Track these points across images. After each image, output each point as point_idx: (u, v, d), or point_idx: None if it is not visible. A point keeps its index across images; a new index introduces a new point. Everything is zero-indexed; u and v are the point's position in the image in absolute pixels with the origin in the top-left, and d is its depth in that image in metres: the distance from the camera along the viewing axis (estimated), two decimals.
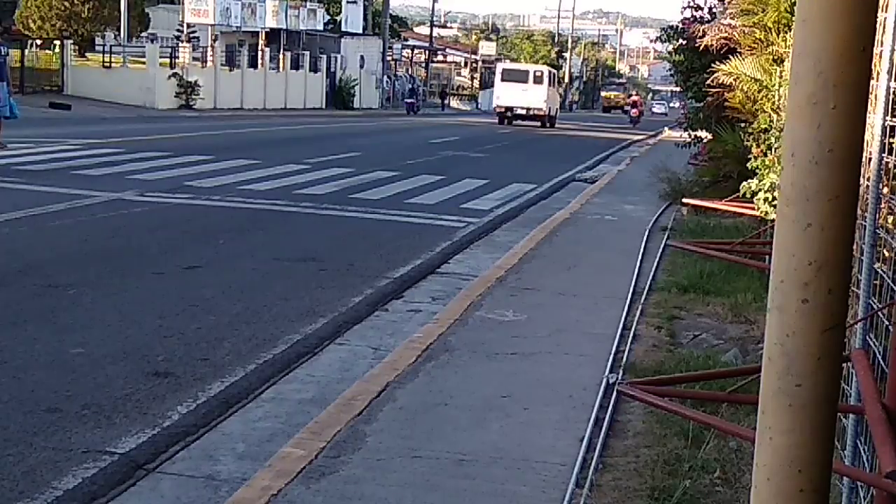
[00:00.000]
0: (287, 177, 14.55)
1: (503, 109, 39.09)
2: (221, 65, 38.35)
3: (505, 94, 39.13)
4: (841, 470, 2.96)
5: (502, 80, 40.09)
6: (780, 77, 7.01)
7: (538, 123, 38.36)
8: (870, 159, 3.06)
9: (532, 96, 38.50)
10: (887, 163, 3.03)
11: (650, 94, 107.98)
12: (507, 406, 4.88)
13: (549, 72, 42.12)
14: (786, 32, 7.02)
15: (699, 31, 10.17)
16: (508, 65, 47.69)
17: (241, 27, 41.24)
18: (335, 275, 8.03)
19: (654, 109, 79.26)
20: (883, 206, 3.12)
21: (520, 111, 38.54)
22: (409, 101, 48.06)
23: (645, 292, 7.64)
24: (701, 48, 10.02)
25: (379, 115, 42.61)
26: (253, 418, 4.68)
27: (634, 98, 55.37)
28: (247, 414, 4.75)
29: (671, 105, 76.87)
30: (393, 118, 40.42)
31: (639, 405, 4.70)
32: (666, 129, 39.54)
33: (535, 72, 40.66)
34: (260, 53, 40.47)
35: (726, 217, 10.92)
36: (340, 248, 9.34)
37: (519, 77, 39.50)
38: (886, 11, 2.96)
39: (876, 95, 3.01)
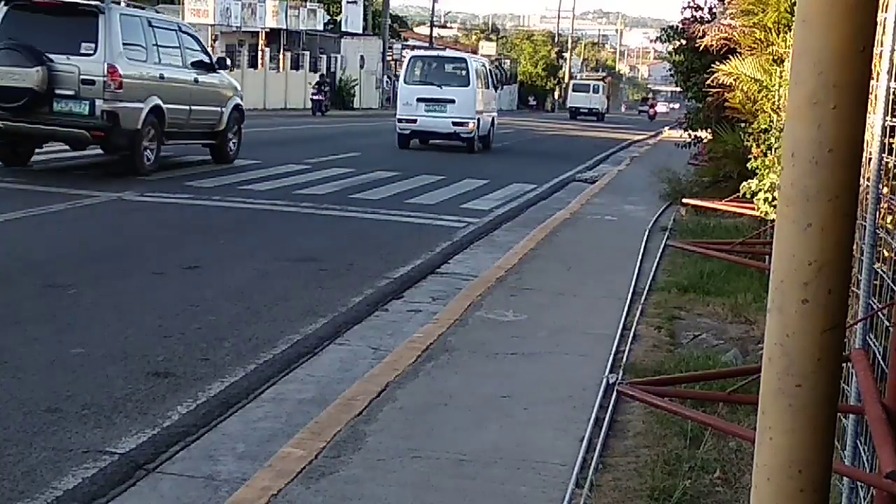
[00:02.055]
0: (287, 177, 14.55)
1: (574, 109, 58.41)
2: None
3: (574, 99, 59.96)
4: (841, 470, 2.96)
5: (573, 90, 61.31)
6: (780, 77, 7.01)
7: (595, 118, 56.22)
8: (870, 159, 3.06)
9: (592, 100, 59.07)
10: (887, 163, 3.03)
11: (649, 94, 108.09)
12: (507, 406, 4.88)
13: (603, 84, 62.06)
14: (786, 32, 7.02)
15: (699, 31, 10.17)
16: (577, 80, 65.55)
17: (241, 27, 41.23)
18: (335, 275, 8.03)
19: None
20: (883, 206, 3.12)
21: (583, 110, 57.77)
22: (315, 97, 37.52)
23: (645, 292, 7.64)
24: (701, 48, 10.02)
25: (379, 115, 42.59)
26: (253, 418, 4.69)
27: (652, 101, 72.25)
28: (247, 414, 4.75)
29: (672, 106, 77.69)
30: (393, 118, 40.42)
31: (639, 405, 4.70)
32: (666, 128, 40.32)
33: (594, 84, 61.19)
34: (260, 53, 40.47)
35: (726, 217, 10.92)
36: (340, 248, 9.35)
37: (584, 88, 60.65)
38: (886, 11, 2.96)
39: (876, 95, 3.01)
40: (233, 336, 6.05)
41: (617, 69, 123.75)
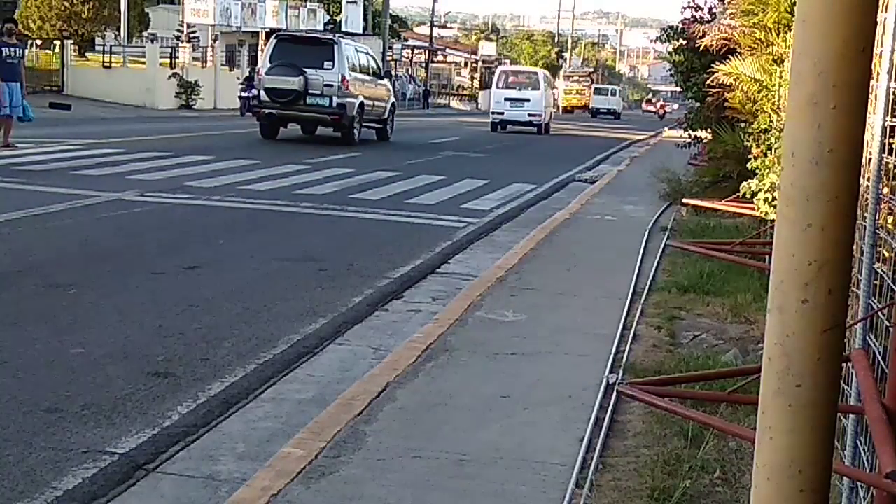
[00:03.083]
0: (287, 177, 14.55)
1: (595, 109, 65.67)
2: (221, 65, 38.37)
3: (595, 101, 67.48)
4: (841, 470, 2.96)
5: (595, 94, 68.73)
6: (780, 77, 7.01)
7: (612, 116, 63.56)
8: (870, 159, 3.06)
9: (610, 101, 67.10)
10: (887, 163, 3.03)
11: (650, 94, 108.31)
12: (507, 406, 4.88)
13: (618, 88, 73.52)
14: (786, 33, 7.01)
15: (699, 31, 10.17)
16: (598, 85, 73.93)
17: (241, 27, 41.26)
18: (335, 275, 8.03)
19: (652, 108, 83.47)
20: (883, 206, 3.12)
21: (603, 110, 65.16)
22: (243, 94, 31.27)
23: (645, 292, 7.64)
24: (701, 48, 10.02)
25: None
26: (253, 418, 4.68)
27: (662, 103, 78.04)
28: (247, 414, 4.75)
29: (672, 106, 78.62)
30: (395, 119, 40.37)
31: (639, 405, 4.70)
32: (666, 128, 40.63)
33: (611, 89, 70.42)
34: (260, 53, 40.43)
35: (726, 217, 10.92)
36: (340, 248, 9.35)
37: (603, 92, 69.09)
38: (886, 11, 2.96)
39: (876, 96, 3.01)
40: (233, 336, 6.05)
41: (617, 69, 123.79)
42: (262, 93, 20.94)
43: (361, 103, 21.49)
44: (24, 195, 11.01)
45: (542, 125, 33.19)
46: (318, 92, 20.71)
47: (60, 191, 11.41)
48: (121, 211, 10.63)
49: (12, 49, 16.24)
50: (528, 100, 32.96)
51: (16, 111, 16.06)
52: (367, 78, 22.67)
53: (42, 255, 8.08)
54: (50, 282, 7.09)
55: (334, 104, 20.72)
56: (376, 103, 22.91)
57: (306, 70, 20.59)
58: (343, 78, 20.81)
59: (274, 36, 22.72)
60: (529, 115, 32.81)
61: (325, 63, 20.85)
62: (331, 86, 20.64)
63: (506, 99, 33.08)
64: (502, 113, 32.85)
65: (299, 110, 20.99)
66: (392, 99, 24.51)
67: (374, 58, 24.43)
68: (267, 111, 20.99)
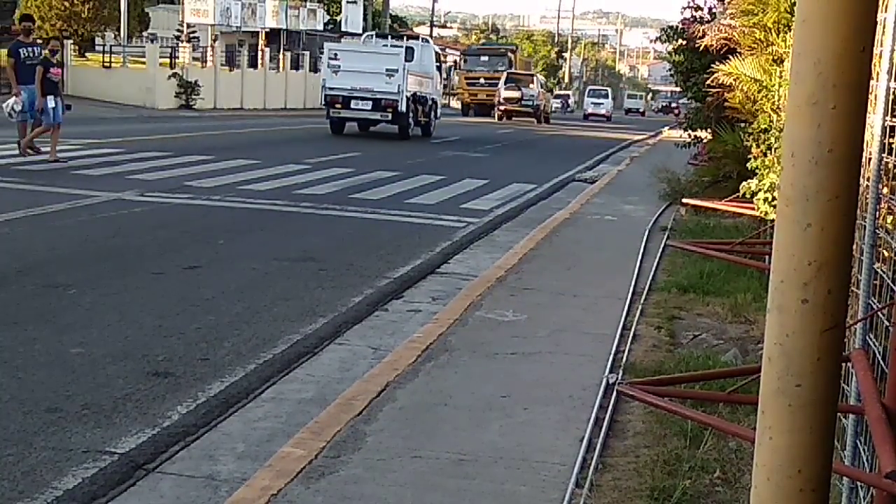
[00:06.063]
0: (287, 177, 14.55)
1: (627, 109, 79.29)
2: (221, 65, 38.31)
3: (627, 103, 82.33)
4: (841, 470, 2.96)
5: (627, 97, 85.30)
6: (780, 77, 7.00)
7: (639, 115, 76.85)
8: (869, 159, 3.06)
9: (638, 104, 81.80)
10: (887, 163, 3.03)
11: (650, 94, 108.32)
12: (507, 406, 4.88)
13: (644, 94, 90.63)
14: (786, 33, 7.01)
15: (699, 31, 10.16)
16: (629, 91, 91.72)
17: (241, 27, 41.23)
18: (335, 275, 8.03)
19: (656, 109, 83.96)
20: (882, 206, 3.12)
21: (633, 109, 79.30)
22: None
23: (645, 292, 7.64)
24: (701, 48, 10.01)
25: None
26: (253, 418, 4.69)
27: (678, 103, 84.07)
28: (247, 414, 4.75)
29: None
30: None
31: (638, 405, 4.70)
32: (665, 128, 40.68)
33: (639, 94, 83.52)
34: (260, 53, 40.43)
35: (726, 217, 10.92)
36: (340, 247, 9.35)
37: (633, 97, 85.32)
38: (886, 11, 2.96)
39: (875, 95, 3.01)
40: (233, 336, 6.05)
41: (617, 69, 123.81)
42: (502, 98, 44.25)
43: (543, 104, 45.90)
44: (23, 195, 11.01)
45: (609, 117, 58.61)
46: (527, 99, 44.45)
47: (60, 191, 11.42)
48: (121, 211, 10.63)
49: (30, 49, 15.25)
50: (602, 103, 61.29)
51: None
52: (544, 91, 47.47)
53: (42, 255, 8.08)
54: (50, 282, 7.09)
55: (534, 105, 44.62)
56: (548, 104, 48.64)
57: (521, 87, 44.40)
58: (539, 92, 45.27)
59: (506, 72, 46.93)
60: (605, 111, 59.99)
61: (530, 84, 45.44)
62: (533, 95, 44.68)
63: (591, 103, 61.67)
64: (587, 110, 61.18)
65: (518, 107, 44.48)
66: (551, 104, 51.54)
67: (546, 79, 53.81)
68: (502, 108, 44.33)
